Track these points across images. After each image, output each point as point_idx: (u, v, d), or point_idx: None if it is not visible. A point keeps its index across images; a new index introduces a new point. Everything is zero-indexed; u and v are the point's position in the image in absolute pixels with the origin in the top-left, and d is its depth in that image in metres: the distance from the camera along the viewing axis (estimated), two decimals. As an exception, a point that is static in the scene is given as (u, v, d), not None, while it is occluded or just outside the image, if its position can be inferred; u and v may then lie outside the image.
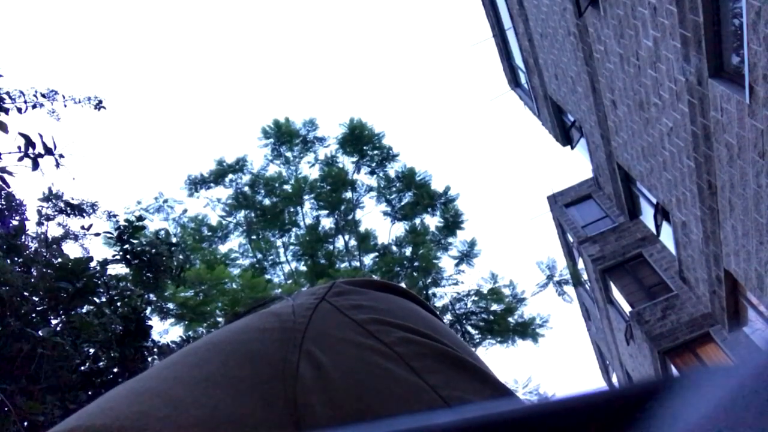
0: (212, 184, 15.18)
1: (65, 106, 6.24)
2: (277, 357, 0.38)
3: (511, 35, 11.20)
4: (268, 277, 13.57)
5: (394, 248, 14.26)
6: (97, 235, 6.09)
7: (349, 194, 15.20)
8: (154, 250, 5.52)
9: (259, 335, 0.40)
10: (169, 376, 0.36)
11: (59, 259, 4.80)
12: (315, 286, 0.48)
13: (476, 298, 12.51)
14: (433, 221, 14.71)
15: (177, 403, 0.33)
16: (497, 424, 0.25)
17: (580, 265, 16.06)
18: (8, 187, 4.94)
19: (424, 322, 0.44)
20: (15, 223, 5.47)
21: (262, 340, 0.39)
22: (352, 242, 14.72)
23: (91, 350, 4.84)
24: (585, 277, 16.07)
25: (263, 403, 0.34)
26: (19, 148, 4.76)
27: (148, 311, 7.07)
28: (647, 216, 8.71)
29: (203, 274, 10.68)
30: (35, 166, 4.85)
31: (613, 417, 0.24)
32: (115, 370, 4.87)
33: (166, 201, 14.48)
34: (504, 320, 12.29)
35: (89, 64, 56.78)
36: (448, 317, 12.16)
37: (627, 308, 13.54)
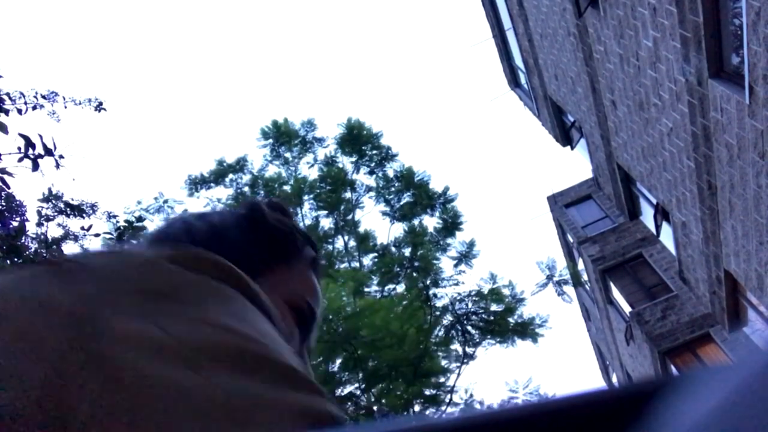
0: (212, 184, 15.17)
1: (65, 107, 6.23)
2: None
3: (511, 35, 11.20)
4: (268, 277, 13.55)
5: (393, 249, 14.25)
6: (97, 235, 6.10)
7: (348, 194, 15.20)
8: (154, 251, 5.51)
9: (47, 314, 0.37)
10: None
11: (59, 260, 4.78)
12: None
13: (476, 299, 12.50)
14: (432, 221, 14.72)
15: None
16: (497, 424, 0.25)
17: (580, 265, 16.06)
18: (8, 187, 4.94)
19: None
20: (15, 224, 5.47)
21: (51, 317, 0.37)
22: (352, 243, 14.71)
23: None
24: (585, 277, 16.07)
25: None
26: (19, 149, 4.76)
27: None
28: (647, 216, 8.71)
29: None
30: (35, 167, 4.85)
31: (613, 417, 0.24)
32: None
33: (166, 201, 14.46)
34: (504, 320, 12.28)
35: (89, 65, 56.77)
36: (448, 317, 12.16)
37: (627, 308, 13.54)
